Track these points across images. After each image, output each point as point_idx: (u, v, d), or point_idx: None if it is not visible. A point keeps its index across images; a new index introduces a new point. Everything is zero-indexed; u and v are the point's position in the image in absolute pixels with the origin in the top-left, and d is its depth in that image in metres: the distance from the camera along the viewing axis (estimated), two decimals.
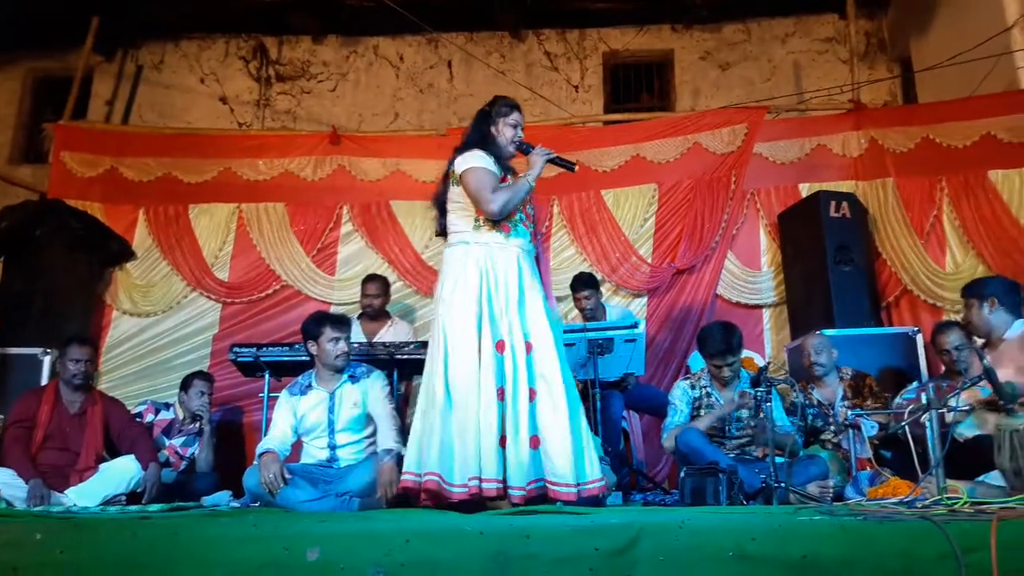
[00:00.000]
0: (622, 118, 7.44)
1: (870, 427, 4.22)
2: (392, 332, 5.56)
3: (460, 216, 3.32)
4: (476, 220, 3.27)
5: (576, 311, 5.58)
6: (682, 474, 3.58)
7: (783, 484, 3.54)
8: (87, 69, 7.72)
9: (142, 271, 6.55)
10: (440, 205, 3.44)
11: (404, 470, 3.16)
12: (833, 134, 6.47)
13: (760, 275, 6.35)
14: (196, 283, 6.47)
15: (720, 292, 6.29)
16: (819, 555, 1.79)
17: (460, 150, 3.36)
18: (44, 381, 5.14)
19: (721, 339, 4.12)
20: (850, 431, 4.14)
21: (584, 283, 5.44)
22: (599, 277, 5.98)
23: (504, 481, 2.97)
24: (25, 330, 5.57)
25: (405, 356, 4.73)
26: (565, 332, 4.70)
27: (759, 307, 6.30)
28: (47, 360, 5.30)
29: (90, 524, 2.23)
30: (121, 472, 4.24)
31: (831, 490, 3.84)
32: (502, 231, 3.26)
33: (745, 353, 5.05)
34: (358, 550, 1.86)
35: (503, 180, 3.31)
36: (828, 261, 5.65)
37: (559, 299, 6.31)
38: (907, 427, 3.45)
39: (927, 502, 2.57)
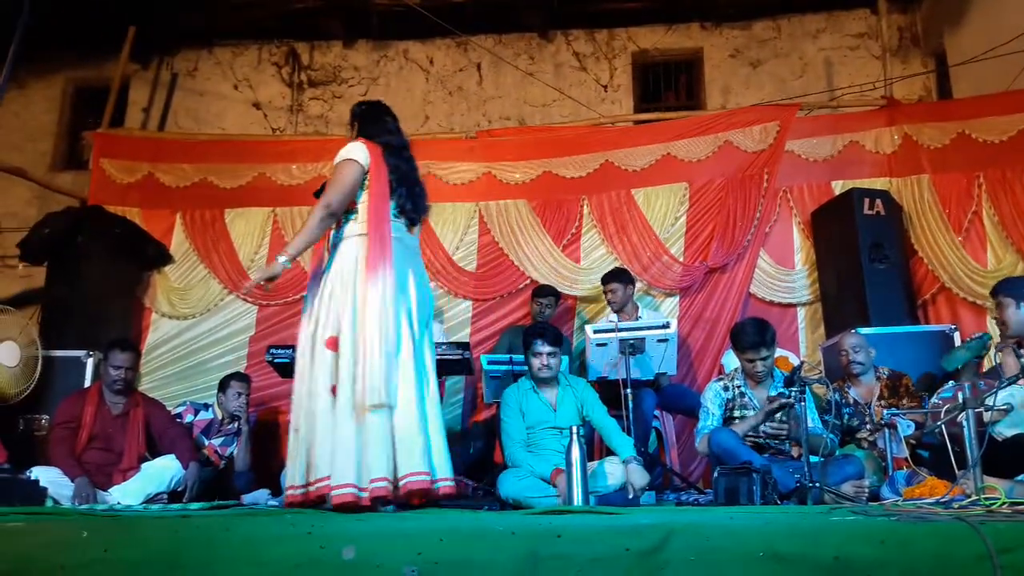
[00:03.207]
0: (652, 117, 7.40)
1: (906, 426, 4.17)
2: None
3: None
4: None
5: (609, 310, 5.62)
6: (715, 474, 3.57)
7: (817, 484, 3.52)
8: (124, 77, 7.88)
9: (180, 274, 6.69)
10: None
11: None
12: (866, 130, 6.42)
13: (794, 273, 6.30)
14: (233, 286, 6.58)
15: (753, 291, 6.26)
16: (851, 556, 1.78)
17: None
18: (87, 383, 5.27)
19: (754, 332, 4.09)
20: (886, 430, 4.09)
21: (612, 276, 5.50)
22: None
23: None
24: (68, 333, 5.71)
25: (437, 357, 4.74)
26: (597, 332, 4.72)
27: (793, 306, 6.26)
28: (90, 362, 5.43)
29: (134, 523, 2.28)
30: (162, 471, 4.35)
31: (866, 490, 3.79)
32: None
33: (779, 352, 5.01)
34: (392, 549, 1.89)
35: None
36: (862, 259, 5.62)
37: (584, 300, 6.31)
38: (944, 426, 3.41)
39: (964, 502, 2.54)
